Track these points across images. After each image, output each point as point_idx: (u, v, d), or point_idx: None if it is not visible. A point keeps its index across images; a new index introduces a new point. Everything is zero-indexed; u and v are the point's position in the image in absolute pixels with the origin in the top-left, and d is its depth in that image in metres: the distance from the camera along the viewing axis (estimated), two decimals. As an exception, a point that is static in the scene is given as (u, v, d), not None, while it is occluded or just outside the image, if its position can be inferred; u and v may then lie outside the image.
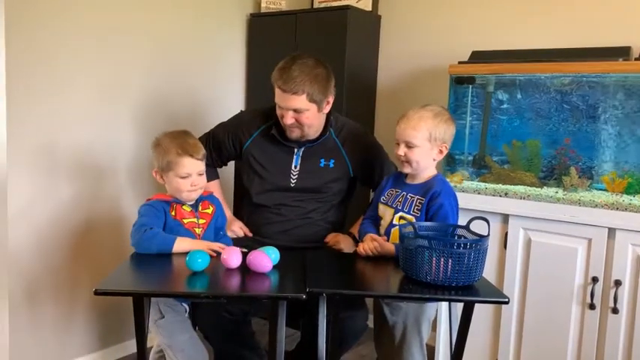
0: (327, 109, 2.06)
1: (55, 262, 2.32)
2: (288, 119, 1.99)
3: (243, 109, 3.00)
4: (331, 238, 2.12)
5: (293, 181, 2.12)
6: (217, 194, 2.21)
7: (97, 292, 1.43)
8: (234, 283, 1.59)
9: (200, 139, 2.25)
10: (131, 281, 1.64)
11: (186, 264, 1.57)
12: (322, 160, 2.12)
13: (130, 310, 1.58)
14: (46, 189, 2.26)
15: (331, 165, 2.12)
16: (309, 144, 2.11)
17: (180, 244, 1.74)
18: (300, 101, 1.96)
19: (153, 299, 1.77)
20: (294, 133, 2.06)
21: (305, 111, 1.98)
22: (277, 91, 1.99)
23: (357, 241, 2.08)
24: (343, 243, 2.11)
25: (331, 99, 2.05)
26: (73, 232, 2.37)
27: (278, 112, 2.04)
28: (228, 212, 2.23)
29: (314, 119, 2.02)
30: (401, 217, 1.82)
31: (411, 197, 1.84)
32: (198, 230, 1.86)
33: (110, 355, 2.56)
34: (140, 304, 1.56)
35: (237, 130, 2.20)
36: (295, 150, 2.12)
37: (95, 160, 2.42)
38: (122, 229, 2.53)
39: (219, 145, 2.23)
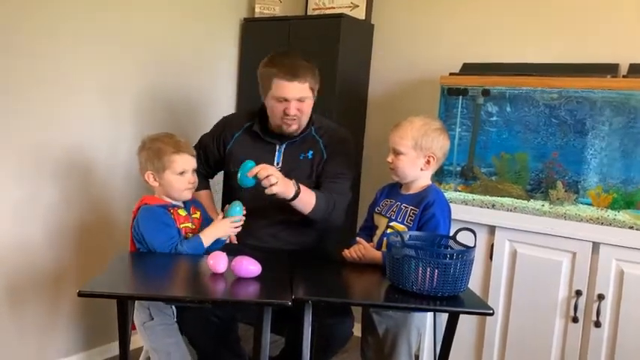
0: (314, 98, 2.11)
1: (40, 261, 2.29)
2: (293, 110, 2.01)
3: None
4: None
5: None
6: (208, 204, 2.19)
7: (80, 294, 1.42)
8: (220, 287, 1.59)
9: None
10: (116, 283, 1.63)
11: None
12: (302, 154, 2.13)
13: (115, 311, 1.56)
14: (31, 188, 2.23)
15: (310, 156, 2.13)
16: (291, 140, 2.12)
17: (208, 239, 1.84)
18: (305, 89, 2.01)
19: (143, 302, 1.77)
20: (293, 126, 2.06)
21: (307, 99, 2.03)
22: (281, 83, 1.99)
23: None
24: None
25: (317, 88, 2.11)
26: (59, 232, 2.34)
27: (278, 107, 2.03)
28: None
29: (310, 107, 2.07)
30: (389, 227, 1.83)
31: (405, 207, 1.84)
32: (191, 236, 1.88)
33: (94, 357, 2.53)
34: (124, 306, 1.55)
35: (222, 133, 2.22)
36: (277, 147, 2.13)
37: (82, 161, 2.39)
38: (108, 229, 2.51)
39: (205, 151, 2.24)
